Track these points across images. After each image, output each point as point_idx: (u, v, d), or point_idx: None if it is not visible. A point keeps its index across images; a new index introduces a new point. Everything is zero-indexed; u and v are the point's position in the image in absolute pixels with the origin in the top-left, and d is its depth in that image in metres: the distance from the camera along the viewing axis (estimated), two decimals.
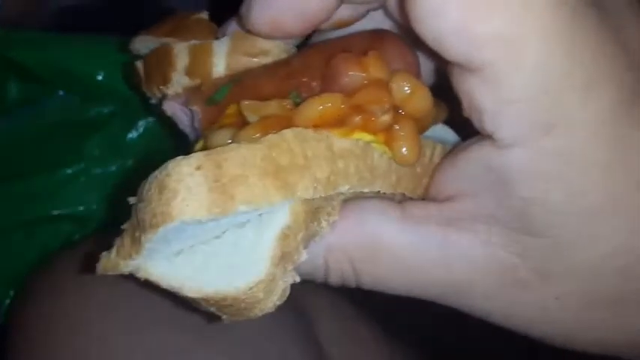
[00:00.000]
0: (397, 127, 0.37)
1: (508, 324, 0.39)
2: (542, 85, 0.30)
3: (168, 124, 0.46)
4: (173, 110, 0.43)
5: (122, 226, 0.34)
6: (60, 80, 0.70)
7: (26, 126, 0.70)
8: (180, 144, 0.46)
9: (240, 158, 0.32)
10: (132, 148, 0.73)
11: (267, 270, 0.33)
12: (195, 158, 0.31)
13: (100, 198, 0.70)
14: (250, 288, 0.33)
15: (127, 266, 0.34)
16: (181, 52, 0.42)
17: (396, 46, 0.38)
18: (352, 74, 0.36)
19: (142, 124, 0.73)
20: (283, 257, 0.34)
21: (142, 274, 0.35)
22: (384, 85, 0.35)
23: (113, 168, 0.72)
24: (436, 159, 0.41)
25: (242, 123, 0.37)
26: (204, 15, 0.46)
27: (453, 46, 0.31)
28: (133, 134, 0.73)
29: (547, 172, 0.32)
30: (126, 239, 0.34)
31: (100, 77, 0.70)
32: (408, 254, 0.38)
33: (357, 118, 0.36)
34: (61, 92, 0.72)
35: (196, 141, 0.41)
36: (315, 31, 0.44)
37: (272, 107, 0.35)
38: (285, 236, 0.34)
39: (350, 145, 0.36)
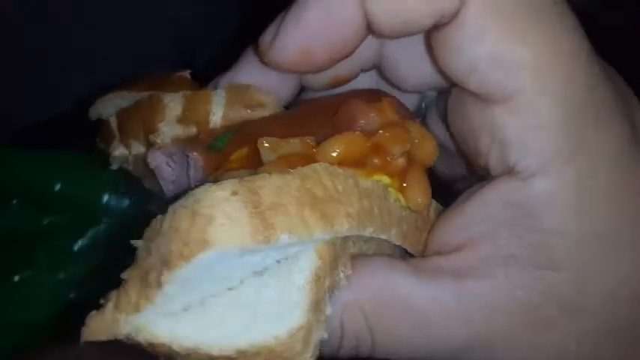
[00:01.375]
0: (409, 173, 0.36)
1: None
2: (565, 111, 0.31)
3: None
4: (158, 163, 0.38)
5: (122, 275, 0.28)
6: (16, 190, 0.70)
7: None
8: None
9: (274, 187, 0.28)
10: (81, 257, 0.72)
11: (306, 315, 0.28)
12: (229, 184, 0.27)
13: (48, 307, 0.69)
14: (291, 336, 0.27)
15: (128, 323, 0.27)
16: (173, 102, 0.38)
17: (396, 102, 0.38)
18: (370, 116, 0.34)
19: (91, 233, 0.72)
20: (317, 304, 0.30)
21: (143, 336, 0.28)
22: (403, 126, 0.35)
23: (62, 276, 0.70)
24: (432, 215, 0.40)
25: (253, 166, 0.33)
26: (186, 74, 0.44)
27: (485, 74, 0.31)
28: (82, 242, 0.72)
29: (568, 201, 0.32)
30: (130, 288, 0.27)
31: (57, 187, 0.70)
32: (426, 308, 0.35)
33: (376, 160, 0.34)
34: (15, 201, 0.70)
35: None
36: (303, 91, 0.43)
37: (294, 144, 0.33)
38: (317, 278, 0.30)
39: (372, 186, 0.33)
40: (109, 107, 0.44)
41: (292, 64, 0.34)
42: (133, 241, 0.28)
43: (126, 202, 0.75)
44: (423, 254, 0.39)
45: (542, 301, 0.34)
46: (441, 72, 0.35)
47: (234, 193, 0.27)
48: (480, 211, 0.35)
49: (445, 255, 0.37)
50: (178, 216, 0.26)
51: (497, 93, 0.32)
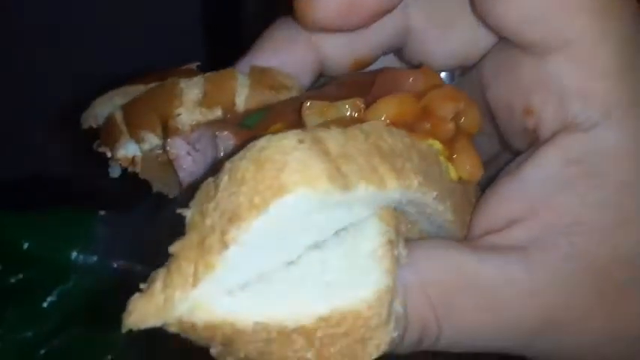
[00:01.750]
0: (456, 142, 0.34)
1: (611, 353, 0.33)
2: (626, 57, 0.30)
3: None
4: (179, 151, 0.34)
5: (170, 249, 0.24)
6: None
7: None
8: None
9: (338, 139, 0.25)
10: (48, 314, 0.73)
11: (389, 276, 0.25)
12: (293, 133, 0.24)
13: None
14: (379, 297, 0.24)
15: (183, 301, 0.23)
16: (192, 86, 0.35)
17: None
18: (414, 79, 0.32)
19: (58, 290, 0.74)
20: (393, 271, 0.26)
21: (200, 316, 0.23)
22: (450, 86, 0.33)
23: (29, 334, 0.71)
24: (472, 197, 0.38)
25: None
26: (194, 66, 0.41)
27: (545, 18, 0.30)
28: (49, 300, 0.73)
29: (634, 151, 0.31)
30: (184, 260, 0.23)
31: (25, 246, 0.73)
32: (495, 287, 0.31)
33: (427, 124, 0.32)
34: None
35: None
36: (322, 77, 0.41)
37: (342, 107, 0.30)
38: (389, 242, 0.26)
39: (426, 149, 0.31)
40: (107, 108, 0.40)
41: (334, 18, 0.32)
42: (179, 210, 0.24)
43: (94, 259, 0.75)
44: (467, 237, 0.36)
45: (612, 265, 0.32)
46: (491, 26, 0.34)
47: (301, 142, 0.24)
48: (537, 174, 0.33)
49: (499, 232, 0.34)
50: (242, 168, 0.23)
51: (556, 40, 0.30)
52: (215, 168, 0.25)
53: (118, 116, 0.37)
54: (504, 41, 0.35)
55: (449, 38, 0.37)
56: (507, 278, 0.31)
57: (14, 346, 0.70)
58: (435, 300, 0.31)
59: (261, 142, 0.24)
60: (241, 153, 0.24)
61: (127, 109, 0.37)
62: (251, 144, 0.24)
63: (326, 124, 0.29)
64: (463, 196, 0.36)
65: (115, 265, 0.74)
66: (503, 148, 0.40)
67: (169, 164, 0.36)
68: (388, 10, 0.33)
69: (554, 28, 0.30)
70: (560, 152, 0.32)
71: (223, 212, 0.22)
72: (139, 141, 0.37)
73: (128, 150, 0.38)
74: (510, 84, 0.34)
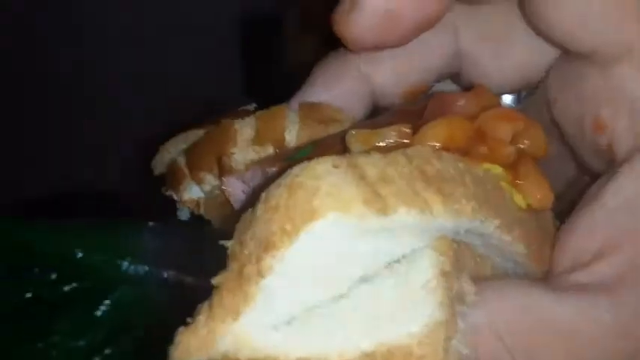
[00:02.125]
0: (520, 166, 0.32)
1: None
2: None
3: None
4: (234, 189, 0.35)
5: (213, 280, 0.24)
6: (38, 259, 0.73)
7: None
8: None
9: (375, 164, 0.24)
10: (101, 323, 0.73)
11: (443, 311, 0.23)
12: (328, 159, 0.24)
13: None
14: (430, 333, 0.22)
15: (226, 335, 0.22)
16: (244, 126, 0.36)
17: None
18: (466, 100, 0.31)
19: (112, 298, 0.74)
20: (450, 305, 0.24)
21: (244, 353, 0.23)
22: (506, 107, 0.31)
23: (82, 343, 0.71)
24: (551, 226, 0.34)
25: None
26: (251, 107, 0.42)
27: (604, 24, 0.28)
28: (102, 308, 0.74)
29: None
30: (225, 292, 0.23)
31: (79, 255, 0.73)
32: (578, 329, 0.28)
33: (484, 148, 0.30)
34: (36, 270, 0.72)
35: None
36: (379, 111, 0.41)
37: (388, 134, 0.29)
38: (444, 273, 0.25)
39: (484, 175, 0.29)
40: (172, 154, 0.43)
41: (374, 31, 0.31)
42: (221, 242, 0.24)
43: (145, 269, 0.75)
44: (549, 274, 0.33)
45: None
46: (545, 34, 0.32)
47: (336, 167, 0.23)
48: (617, 200, 0.30)
49: (583, 268, 0.31)
50: (276, 196, 0.23)
51: (617, 47, 0.28)
52: (255, 199, 0.25)
53: (181, 161, 0.39)
54: (566, 53, 0.33)
55: (504, 57, 0.36)
56: (591, 319, 0.28)
57: (67, 355, 0.70)
58: (510, 343, 0.28)
59: (296, 168, 0.23)
60: (277, 181, 0.24)
61: (188, 153, 0.39)
62: (287, 171, 0.24)
63: (369, 152, 0.29)
64: (536, 225, 0.33)
65: (166, 276, 0.73)
66: (583, 171, 0.37)
67: (229, 204, 0.37)
68: (427, 25, 0.32)
69: (614, 35, 0.28)
70: (637, 174, 0.29)
71: (259, 241, 0.22)
72: (200, 183, 0.38)
73: (192, 193, 0.40)
74: (577, 98, 0.32)
